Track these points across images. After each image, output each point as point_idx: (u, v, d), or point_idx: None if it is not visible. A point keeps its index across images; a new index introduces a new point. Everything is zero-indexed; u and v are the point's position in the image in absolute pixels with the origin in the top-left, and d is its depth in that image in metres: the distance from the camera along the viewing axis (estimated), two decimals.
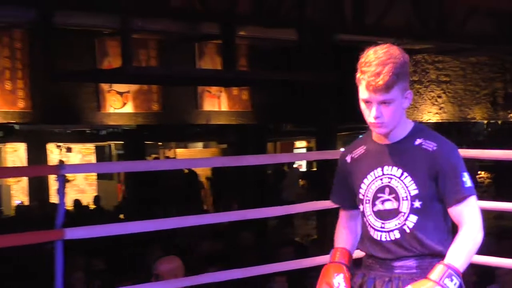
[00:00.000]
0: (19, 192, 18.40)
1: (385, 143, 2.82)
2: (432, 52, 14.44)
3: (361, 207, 2.80)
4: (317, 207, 7.22)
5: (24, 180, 18.03)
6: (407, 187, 2.72)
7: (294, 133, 20.23)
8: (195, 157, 20.02)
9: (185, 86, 11.80)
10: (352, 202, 2.87)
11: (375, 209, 2.78)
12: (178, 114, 12.34)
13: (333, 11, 11.01)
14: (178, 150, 20.48)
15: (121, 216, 14.61)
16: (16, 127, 15.16)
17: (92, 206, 15.80)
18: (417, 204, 2.70)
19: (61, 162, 18.01)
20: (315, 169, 18.04)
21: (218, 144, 20.46)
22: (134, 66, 9.36)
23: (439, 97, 15.03)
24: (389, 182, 2.76)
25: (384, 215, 2.70)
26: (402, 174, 2.75)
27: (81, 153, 20.48)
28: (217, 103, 12.13)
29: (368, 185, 2.79)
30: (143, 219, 5.50)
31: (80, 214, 14.25)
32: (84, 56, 10.43)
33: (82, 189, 18.54)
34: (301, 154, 20.09)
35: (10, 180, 17.93)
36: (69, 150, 18.88)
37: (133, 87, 11.11)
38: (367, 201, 2.76)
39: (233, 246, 11.26)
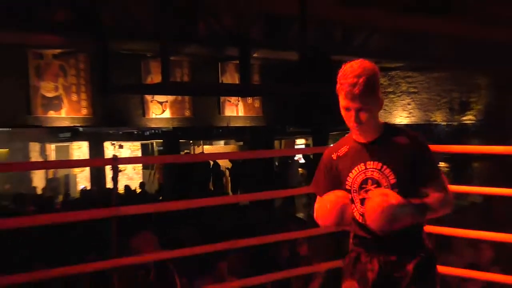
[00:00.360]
0: (82, 179, 19.37)
1: (364, 142, 2.79)
2: (403, 69, 15.35)
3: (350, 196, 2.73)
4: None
5: (87, 170, 19.03)
6: (387, 177, 2.71)
7: (295, 133, 20.37)
8: (217, 153, 21.32)
9: (210, 97, 12.14)
10: (328, 191, 2.81)
11: (361, 197, 2.75)
12: (205, 119, 12.63)
13: (328, 39, 11.36)
14: (205, 147, 21.27)
15: (160, 197, 14.72)
16: (80, 129, 15.40)
17: (138, 190, 16.27)
18: (395, 191, 2.68)
19: (115, 156, 17.81)
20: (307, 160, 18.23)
21: (236, 141, 21.01)
22: (171, 81, 9.52)
23: (409, 104, 15.89)
24: (372, 174, 2.75)
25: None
26: (382, 167, 2.73)
27: (130, 149, 21.23)
28: (235, 110, 12.63)
29: (354, 178, 2.78)
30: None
31: (129, 197, 14.53)
32: (132, 74, 10.72)
33: (131, 177, 19.26)
34: (301, 149, 21.05)
35: (76, 170, 19.29)
36: (121, 147, 19.77)
37: (170, 98, 11.59)
38: (354, 191, 2.75)
39: (247, 223, 10.93)
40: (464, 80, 16.53)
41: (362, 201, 2.69)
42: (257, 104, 12.73)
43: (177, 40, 9.33)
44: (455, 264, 7.30)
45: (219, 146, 21.53)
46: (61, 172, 19.49)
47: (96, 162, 12.26)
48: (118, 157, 12.54)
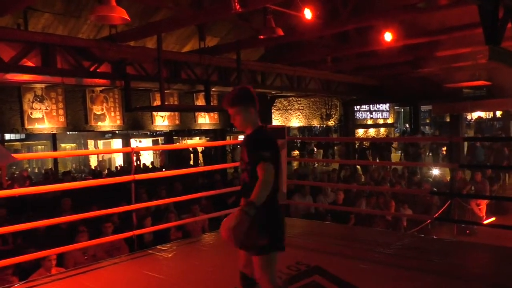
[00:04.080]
0: (118, 160, 20.43)
1: (246, 135, 2.73)
2: (295, 96, 15.67)
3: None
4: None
5: (120, 155, 20.39)
6: (247, 157, 2.63)
7: (238, 132, 21.89)
8: (195, 143, 22.78)
9: (189, 112, 12.53)
10: None
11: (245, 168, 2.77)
12: (187, 124, 12.99)
13: (253, 80, 11.40)
14: (188, 140, 22.99)
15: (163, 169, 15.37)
16: (117, 132, 16.31)
17: (150, 166, 17.06)
18: (248, 167, 2.63)
19: (135, 147, 16.93)
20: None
21: (205, 137, 22.64)
22: (166, 104, 10.05)
23: (299, 115, 16.41)
24: (243, 156, 2.72)
25: (243, 171, 2.71)
26: (248, 151, 2.64)
27: (146, 143, 22.39)
28: (204, 119, 13.19)
29: (244, 156, 2.72)
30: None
31: (145, 169, 14.85)
32: (144, 100, 11.13)
33: (146, 158, 20.40)
34: (239, 141, 21.47)
35: (114, 155, 20.47)
36: (140, 141, 21.56)
37: (167, 113, 11.98)
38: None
39: (212, 181, 11.22)
40: (327, 102, 17.96)
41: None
42: (216, 115, 13.83)
43: (169, 82, 9.48)
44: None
45: (195, 140, 23.71)
46: (106, 156, 21.77)
47: (123, 150, 12.33)
48: (137, 147, 12.59)
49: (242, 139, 2.71)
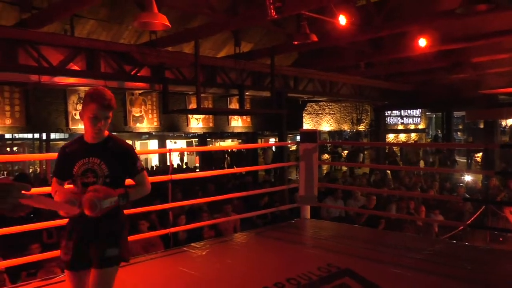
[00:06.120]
0: (154, 160, 20.78)
1: (92, 143, 2.37)
2: (326, 101, 15.52)
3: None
4: (278, 165, 9.42)
5: (156, 155, 20.57)
6: (102, 170, 2.32)
7: (269, 135, 21.85)
8: (227, 145, 22.90)
9: (223, 115, 12.54)
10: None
11: (83, 182, 2.35)
12: (220, 127, 12.96)
13: (285, 85, 11.51)
14: (220, 142, 23.13)
15: (197, 170, 15.88)
16: (153, 133, 16.60)
17: (184, 166, 17.52)
18: (107, 180, 2.31)
19: (171, 148, 16.99)
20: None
21: (237, 140, 22.68)
22: (202, 107, 10.20)
23: (330, 119, 16.37)
24: (92, 166, 2.34)
25: (89, 185, 2.27)
26: (100, 162, 2.33)
27: (181, 144, 22.53)
28: (237, 122, 13.11)
29: (79, 167, 2.37)
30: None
31: (179, 169, 15.07)
32: (181, 103, 11.19)
33: (181, 159, 20.76)
34: (271, 144, 21.49)
35: (150, 155, 20.44)
36: (175, 142, 21.79)
37: (201, 116, 12.00)
38: (78, 177, 2.38)
39: (244, 183, 11.20)
40: (358, 107, 17.78)
41: (84, 185, 2.32)
42: (248, 119, 13.76)
43: (205, 86, 9.67)
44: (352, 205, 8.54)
45: (228, 142, 23.81)
46: (142, 156, 22.85)
47: (160, 150, 12.46)
48: (172, 148, 12.37)
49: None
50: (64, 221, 3.84)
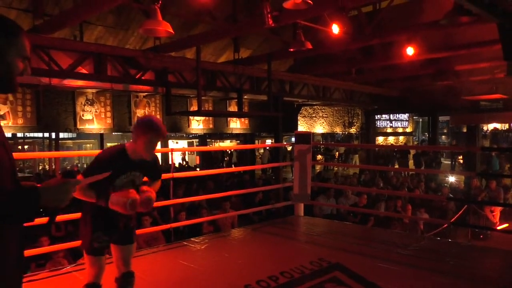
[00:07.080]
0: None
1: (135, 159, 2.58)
2: (320, 105, 15.35)
3: None
4: (273, 165, 9.64)
5: (159, 154, 19.63)
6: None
7: (266, 136, 21.88)
8: (226, 145, 22.91)
9: (222, 117, 12.34)
10: None
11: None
12: (220, 128, 12.76)
13: (282, 89, 11.52)
14: (220, 143, 23.10)
15: (197, 168, 16.14)
16: None
17: (185, 165, 17.71)
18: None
19: (173, 148, 17.42)
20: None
21: (236, 140, 22.63)
22: (202, 110, 10.23)
23: (323, 122, 16.23)
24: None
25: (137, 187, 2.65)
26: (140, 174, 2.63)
27: (182, 144, 22.47)
28: (235, 124, 12.96)
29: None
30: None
31: (181, 168, 15.51)
32: (182, 105, 11.06)
33: (183, 158, 20.76)
34: (267, 144, 21.71)
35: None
36: (177, 142, 21.66)
37: (202, 118, 11.86)
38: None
39: (241, 181, 11.23)
40: (350, 111, 17.78)
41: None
42: (246, 121, 13.56)
43: (205, 89, 9.66)
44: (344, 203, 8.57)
45: (227, 143, 23.80)
46: None
47: (163, 150, 12.25)
48: (174, 148, 12.22)
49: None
50: (72, 216, 3.86)
